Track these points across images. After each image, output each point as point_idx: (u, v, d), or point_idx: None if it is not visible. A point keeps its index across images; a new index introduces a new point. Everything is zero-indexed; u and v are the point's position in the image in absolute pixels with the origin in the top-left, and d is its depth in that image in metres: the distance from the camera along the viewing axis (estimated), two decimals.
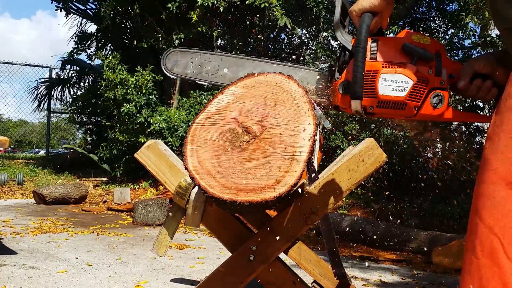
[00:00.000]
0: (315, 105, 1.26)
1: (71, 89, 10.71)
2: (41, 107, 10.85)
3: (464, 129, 6.63)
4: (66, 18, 9.49)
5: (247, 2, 6.64)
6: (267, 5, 6.68)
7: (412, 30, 1.11)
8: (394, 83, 1.02)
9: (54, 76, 11.07)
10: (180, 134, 6.95)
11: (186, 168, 1.23)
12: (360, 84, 1.01)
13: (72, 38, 9.65)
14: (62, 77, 10.69)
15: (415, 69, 1.02)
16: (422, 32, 1.14)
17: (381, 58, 1.03)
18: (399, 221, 4.93)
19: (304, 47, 9.04)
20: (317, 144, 1.42)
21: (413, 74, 1.02)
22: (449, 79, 1.05)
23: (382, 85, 1.02)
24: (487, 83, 1.04)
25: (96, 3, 9.53)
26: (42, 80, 10.92)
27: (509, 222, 0.77)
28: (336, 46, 7.43)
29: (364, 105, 1.05)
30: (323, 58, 7.06)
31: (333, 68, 1.14)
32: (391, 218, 5.03)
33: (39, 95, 10.72)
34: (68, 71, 10.61)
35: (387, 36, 1.10)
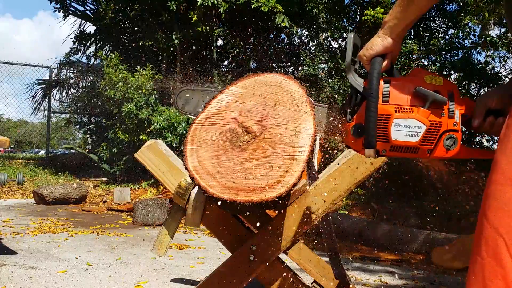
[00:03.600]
0: (315, 105, 1.26)
1: (70, 90, 10.70)
2: (38, 109, 10.82)
3: (464, 129, 6.62)
4: (64, 19, 9.48)
5: (252, 6, 6.64)
6: (269, 8, 6.69)
7: (424, 69, 1.10)
8: (407, 128, 1.01)
9: (54, 76, 11.06)
10: (181, 132, 6.95)
11: (186, 168, 1.23)
12: (373, 134, 1.01)
13: (70, 38, 9.66)
14: (60, 77, 10.68)
15: (428, 114, 1.01)
16: (434, 72, 1.12)
17: (394, 102, 1.02)
18: (399, 221, 4.93)
19: (304, 46, 9.04)
20: (317, 144, 1.42)
21: (426, 119, 1.01)
22: (462, 119, 1.04)
23: (395, 130, 1.02)
24: (500, 120, 1.03)
25: (95, 3, 9.53)
26: (39, 81, 10.89)
27: None
28: (335, 47, 7.44)
29: (377, 149, 1.04)
30: (323, 59, 7.06)
31: (347, 110, 1.13)
32: (391, 218, 5.03)
33: (36, 97, 10.70)
34: (66, 71, 10.59)
35: (400, 77, 1.08)
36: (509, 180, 0.80)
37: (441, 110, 1.02)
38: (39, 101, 10.75)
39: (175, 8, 7.34)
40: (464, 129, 1.08)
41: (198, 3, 6.88)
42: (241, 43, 8.14)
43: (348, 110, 1.10)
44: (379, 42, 1.06)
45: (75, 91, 10.64)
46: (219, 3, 7.02)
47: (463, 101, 1.05)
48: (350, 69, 1.09)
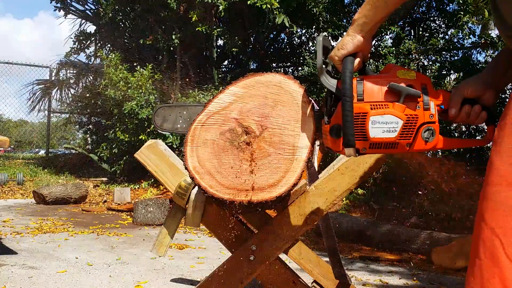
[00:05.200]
0: (315, 105, 1.26)
1: (69, 90, 10.70)
2: (36, 109, 10.80)
3: (464, 129, 6.63)
4: (65, 18, 9.50)
5: (248, 2, 6.63)
6: (268, 6, 6.68)
7: (396, 64, 1.11)
8: (384, 125, 1.02)
9: (54, 76, 11.05)
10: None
11: (186, 168, 1.23)
12: (352, 133, 1.02)
13: (70, 37, 9.65)
14: (60, 77, 10.67)
15: (403, 108, 1.02)
16: (406, 67, 1.13)
17: (369, 99, 1.03)
18: (399, 221, 4.93)
19: (303, 46, 9.04)
20: (317, 144, 1.42)
21: (402, 114, 1.02)
22: (437, 110, 1.05)
23: (373, 127, 1.02)
24: (476, 108, 1.05)
25: (95, 3, 9.53)
26: (38, 81, 10.86)
27: (510, 223, 0.78)
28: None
29: (357, 147, 1.05)
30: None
31: (323, 112, 1.14)
32: (391, 218, 5.03)
33: (34, 96, 10.68)
34: (66, 71, 10.59)
35: (372, 75, 1.08)
36: (504, 181, 0.80)
37: (416, 103, 1.03)
38: (38, 101, 10.74)
39: (175, 6, 7.34)
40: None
41: (197, 0, 6.88)
42: (239, 41, 8.13)
43: (325, 111, 1.11)
44: (350, 41, 1.05)
45: (75, 91, 10.64)
46: (219, 1, 7.02)
47: (438, 93, 1.06)
48: (322, 71, 1.09)
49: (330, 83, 1.08)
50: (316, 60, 1.09)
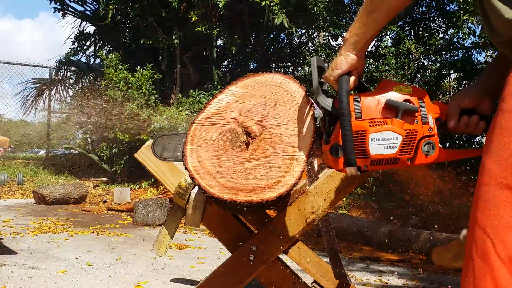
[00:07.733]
0: (315, 105, 1.26)
1: (69, 90, 10.69)
2: (30, 110, 10.77)
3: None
4: (63, 18, 9.50)
5: None
6: (267, 3, 6.67)
7: (392, 80, 1.11)
8: (384, 141, 1.02)
9: (53, 76, 11.03)
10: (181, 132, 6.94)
11: (186, 168, 1.23)
12: (352, 152, 1.02)
13: (70, 38, 9.65)
14: (59, 77, 10.66)
15: (402, 124, 1.02)
16: (401, 82, 1.14)
17: (367, 117, 1.03)
18: (399, 221, 4.93)
19: (303, 46, 9.03)
20: None
21: (401, 129, 1.02)
22: (436, 123, 1.06)
23: (373, 145, 1.02)
24: (474, 118, 1.06)
25: (95, 3, 9.53)
26: (33, 80, 10.80)
27: (500, 221, 0.79)
28: (336, 45, 7.45)
29: (358, 165, 1.05)
30: (324, 57, 7.05)
31: (322, 131, 1.14)
32: (391, 218, 5.03)
33: (28, 97, 10.66)
34: (65, 71, 10.57)
35: (369, 92, 1.09)
36: (494, 180, 0.81)
37: (414, 117, 1.03)
38: (32, 101, 10.70)
39: (176, 6, 7.34)
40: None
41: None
42: (239, 40, 8.13)
43: (324, 131, 1.11)
44: (343, 60, 1.06)
45: (74, 90, 10.63)
46: (218, 0, 7.02)
47: (435, 105, 1.06)
48: (319, 91, 1.09)
49: (327, 102, 1.09)
50: (312, 82, 1.09)
